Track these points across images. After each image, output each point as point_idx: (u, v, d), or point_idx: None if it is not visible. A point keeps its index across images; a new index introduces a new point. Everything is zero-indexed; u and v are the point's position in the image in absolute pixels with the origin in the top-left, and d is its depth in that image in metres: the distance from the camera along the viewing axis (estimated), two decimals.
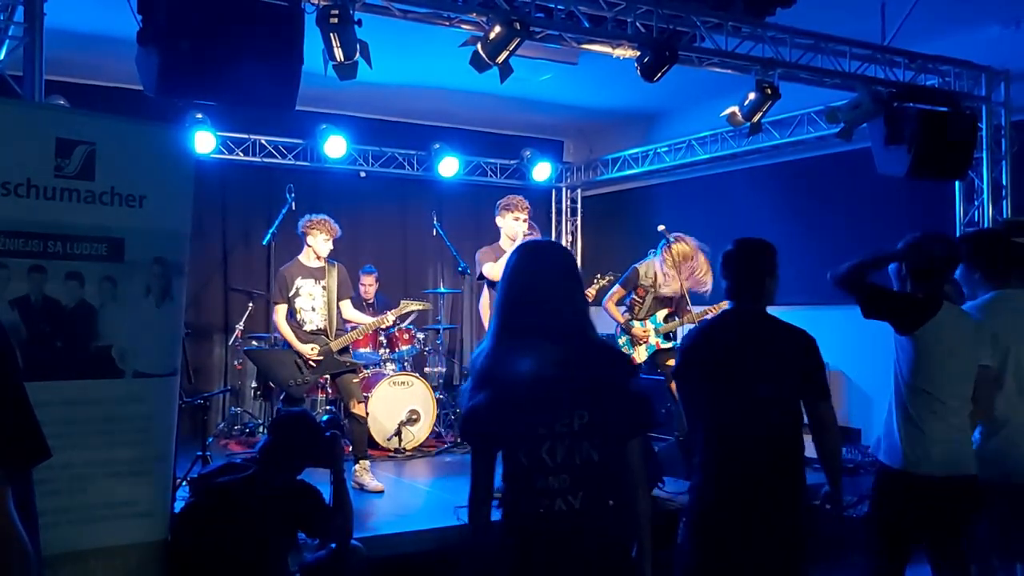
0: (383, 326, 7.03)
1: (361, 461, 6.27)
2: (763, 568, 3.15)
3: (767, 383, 3.19)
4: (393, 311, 6.83)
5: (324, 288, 6.40)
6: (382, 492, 6.10)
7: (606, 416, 2.37)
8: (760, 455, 3.16)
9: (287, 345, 6.37)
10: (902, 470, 3.50)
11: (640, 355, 6.62)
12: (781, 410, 3.22)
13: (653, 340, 6.62)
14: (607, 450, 2.38)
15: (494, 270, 5.80)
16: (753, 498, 3.14)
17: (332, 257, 6.58)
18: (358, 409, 6.33)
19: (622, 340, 6.72)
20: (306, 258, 6.42)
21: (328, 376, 6.57)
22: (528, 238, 5.89)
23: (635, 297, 6.70)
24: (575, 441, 2.35)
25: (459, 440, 8.07)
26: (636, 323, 6.66)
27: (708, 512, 3.24)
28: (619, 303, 6.74)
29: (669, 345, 6.62)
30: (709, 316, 6.44)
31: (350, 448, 6.56)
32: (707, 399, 3.29)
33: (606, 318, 6.80)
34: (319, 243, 6.37)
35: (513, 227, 5.83)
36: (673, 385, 6.58)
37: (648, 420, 2.59)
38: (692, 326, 6.47)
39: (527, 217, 5.92)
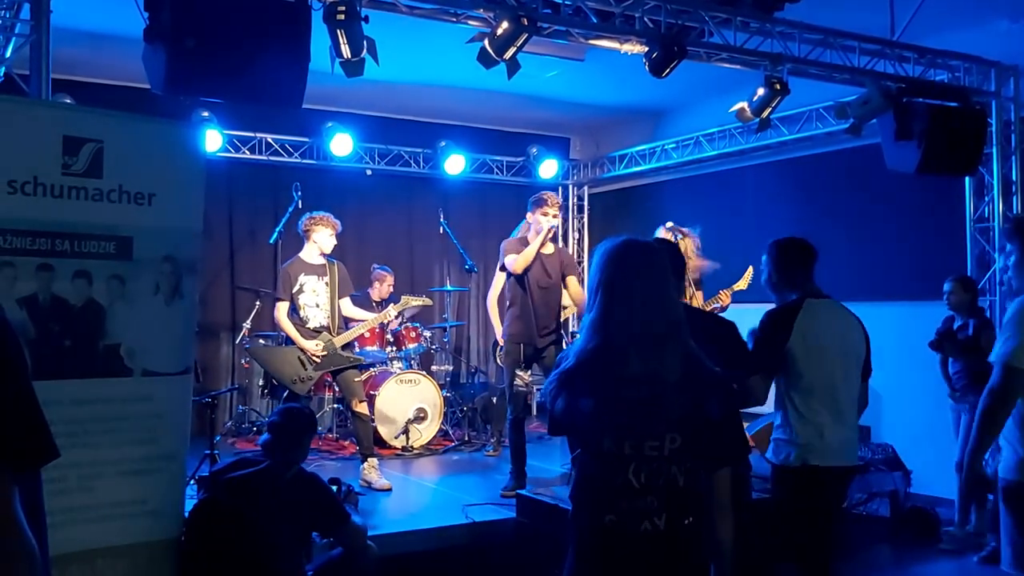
0: (385, 321, 7.08)
1: (369, 459, 6.26)
2: None
3: None
4: (394, 305, 6.91)
5: (327, 284, 6.42)
6: (390, 490, 6.10)
7: (698, 443, 2.26)
8: None
9: (289, 342, 6.40)
10: None
11: None
12: None
13: None
14: (693, 475, 2.29)
15: (516, 262, 5.86)
16: None
17: (338, 255, 6.61)
18: (360, 408, 6.36)
19: None
20: (308, 255, 6.43)
21: (331, 374, 6.58)
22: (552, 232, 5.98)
23: None
24: (663, 464, 2.24)
25: (468, 438, 8.08)
26: None
27: None
28: None
29: None
30: (718, 305, 6.51)
31: (356, 447, 6.57)
32: None
33: None
34: (325, 239, 6.39)
35: (542, 222, 5.94)
36: None
37: (740, 451, 2.46)
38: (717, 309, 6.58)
39: (557, 213, 6.03)
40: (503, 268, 6.10)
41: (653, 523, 2.24)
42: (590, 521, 2.31)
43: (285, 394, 6.51)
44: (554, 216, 5.97)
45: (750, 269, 6.68)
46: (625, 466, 2.23)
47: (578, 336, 2.38)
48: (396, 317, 7.37)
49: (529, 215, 6.05)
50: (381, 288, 8.39)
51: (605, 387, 2.25)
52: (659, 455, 2.23)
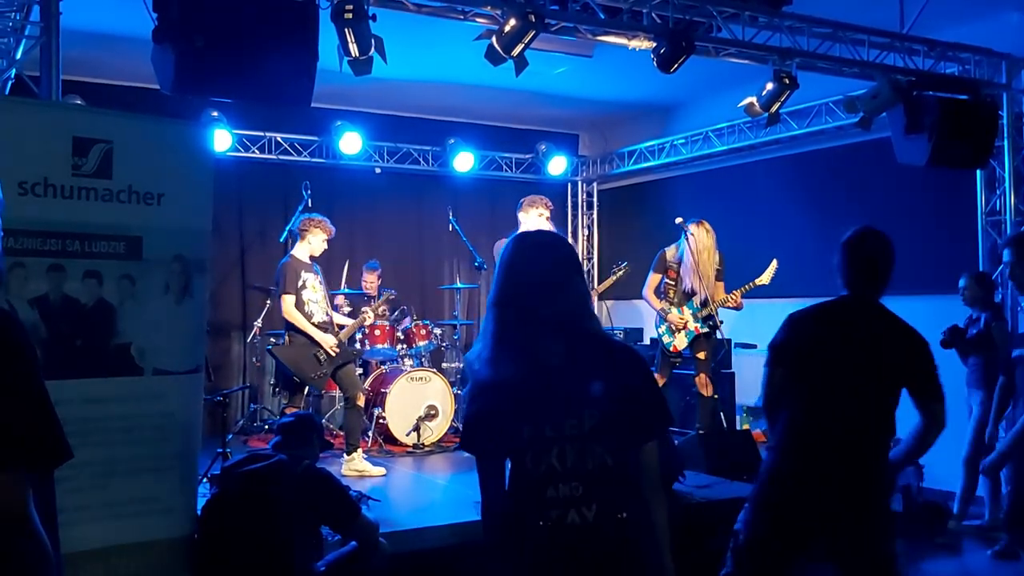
0: (366, 323, 7.43)
1: (357, 451, 6.43)
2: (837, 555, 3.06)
3: (861, 375, 3.09)
4: (370, 308, 7.38)
5: (320, 283, 6.60)
6: (385, 475, 6.28)
7: (619, 416, 2.19)
8: (838, 449, 3.06)
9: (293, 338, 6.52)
10: None
11: (680, 342, 6.63)
12: (867, 406, 3.14)
13: (692, 326, 6.61)
14: (622, 454, 2.20)
15: None
16: (825, 491, 3.03)
17: (347, 253, 6.74)
18: (361, 401, 6.63)
19: (661, 328, 6.73)
20: (302, 254, 6.55)
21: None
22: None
23: (668, 281, 6.73)
24: (586, 444, 2.17)
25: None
26: (673, 310, 6.65)
27: (777, 493, 3.14)
28: (656, 291, 6.77)
29: (706, 330, 6.59)
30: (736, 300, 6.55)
31: (342, 438, 6.74)
32: (800, 381, 3.17)
33: (646, 308, 7.10)
34: (319, 243, 6.57)
35: (535, 223, 5.89)
36: (700, 378, 6.61)
37: (664, 421, 2.36)
38: (730, 308, 6.59)
39: (548, 215, 5.98)
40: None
41: (581, 514, 2.15)
42: (517, 524, 2.21)
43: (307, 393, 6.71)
44: (547, 218, 5.91)
45: (774, 263, 6.60)
46: (548, 450, 2.17)
47: (479, 338, 2.38)
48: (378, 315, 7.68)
49: (520, 214, 5.96)
50: (363, 284, 8.46)
51: (515, 376, 2.21)
52: (580, 433, 2.17)
